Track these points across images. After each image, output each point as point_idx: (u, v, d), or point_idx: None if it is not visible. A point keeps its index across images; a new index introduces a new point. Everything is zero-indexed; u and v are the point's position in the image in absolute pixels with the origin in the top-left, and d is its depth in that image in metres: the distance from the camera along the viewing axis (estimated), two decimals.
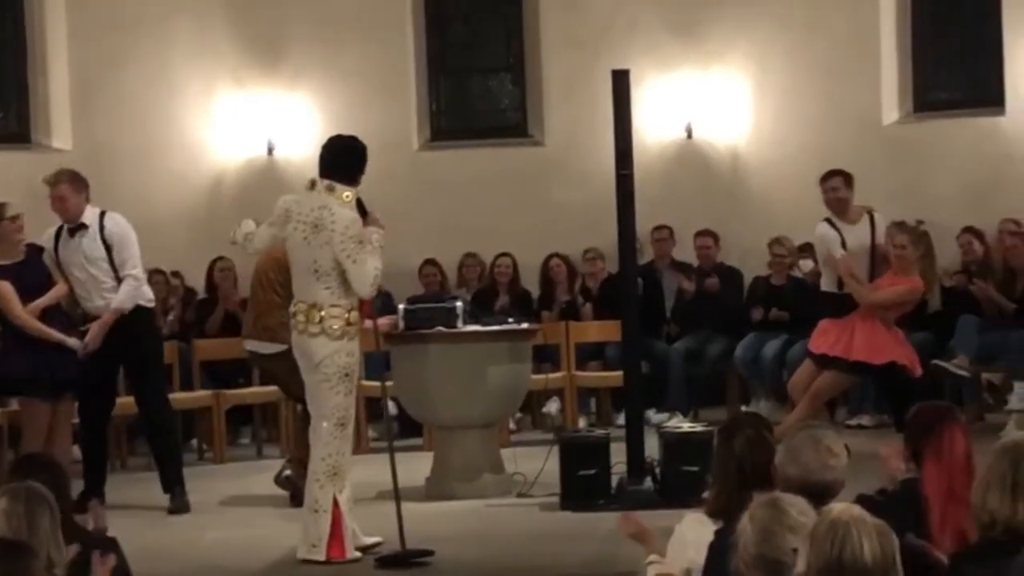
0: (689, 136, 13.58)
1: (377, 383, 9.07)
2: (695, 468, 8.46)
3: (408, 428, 11.32)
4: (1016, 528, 4.31)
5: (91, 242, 9.40)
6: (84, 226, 9.43)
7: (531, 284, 13.23)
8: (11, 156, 13.02)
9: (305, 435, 8.30)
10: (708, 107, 13.53)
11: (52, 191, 9.45)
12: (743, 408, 11.75)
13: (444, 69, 14.21)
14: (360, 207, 7.76)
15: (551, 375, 11.59)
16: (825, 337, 10.26)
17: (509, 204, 13.45)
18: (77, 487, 8.75)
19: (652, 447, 9.12)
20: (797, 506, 3.95)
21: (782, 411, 10.99)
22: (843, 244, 10.31)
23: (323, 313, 7.70)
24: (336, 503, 7.65)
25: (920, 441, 5.14)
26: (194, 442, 11.95)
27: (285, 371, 8.83)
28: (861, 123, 13.10)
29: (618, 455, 9.01)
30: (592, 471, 8.85)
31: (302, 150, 13.66)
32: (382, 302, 10.36)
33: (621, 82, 9.12)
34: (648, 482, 8.88)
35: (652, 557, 5.24)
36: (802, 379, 10.32)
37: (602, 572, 7.39)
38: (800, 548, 3.43)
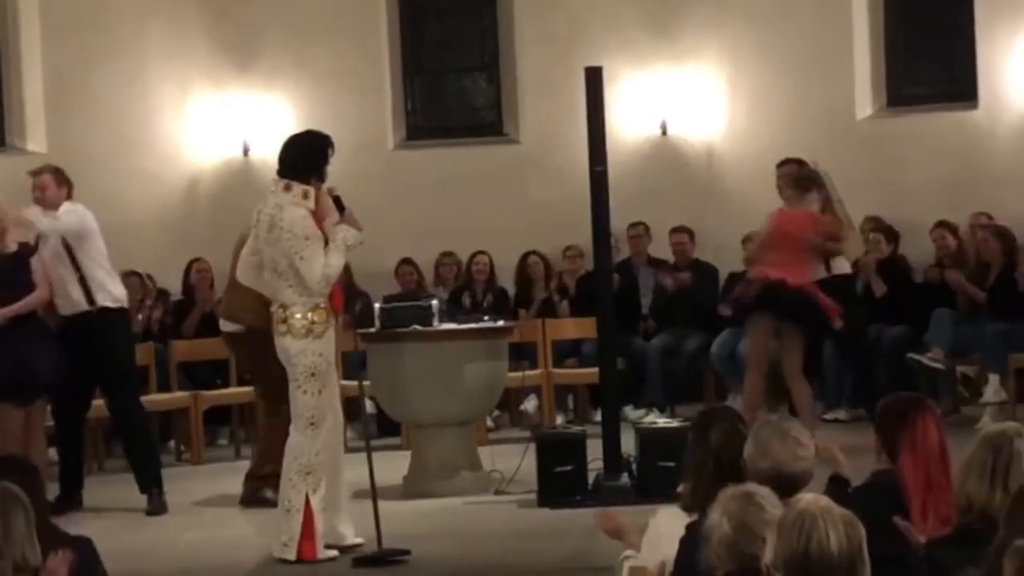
0: (664, 133, 13.61)
1: (354, 382, 9.08)
2: (672, 464, 8.44)
3: (385, 427, 11.31)
4: (991, 514, 4.36)
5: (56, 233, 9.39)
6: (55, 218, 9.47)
7: (508, 282, 13.25)
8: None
9: (267, 426, 8.51)
10: (682, 104, 13.56)
11: (35, 179, 9.52)
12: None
13: (419, 68, 14.22)
14: (337, 204, 7.75)
15: (528, 372, 11.61)
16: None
17: (485, 203, 13.46)
18: (54, 490, 8.78)
19: (629, 443, 9.14)
20: (768, 498, 3.98)
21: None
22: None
23: (287, 312, 7.71)
24: (308, 502, 7.63)
25: (894, 432, 5.16)
26: (171, 443, 11.94)
27: (244, 352, 8.91)
28: (835, 118, 13.14)
29: (595, 451, 9.04)
30: (569, 467, 8.87)
31: (278, 151, 13.66)
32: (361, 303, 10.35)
33: (594, 79, 9.15)
34: (625, 478, 8.91)
35: (627, 552, 5.26)
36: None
37: (579, 568, 7.40)
38: (768, 538, 3.45)
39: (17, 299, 9.16)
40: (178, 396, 11.72)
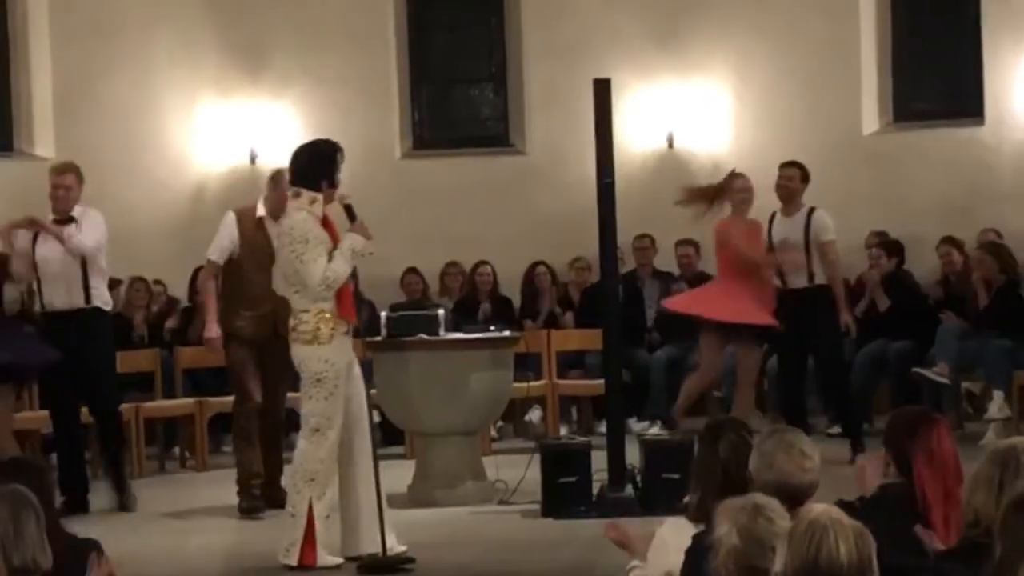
0: (670, 146, 13.65)
1: None
2: (676, 476, 8.51)
3: (390, 436, 11.33)
4: None
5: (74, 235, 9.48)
6: (72, 219, 9.53)
7: (512, 293, 13.27)
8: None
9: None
10: (689, 117, 13.60)
11: (58, 179, 9.58)
12: None
13: (427, 78, 14.26)
14: (349, 212, 7.78)
15: (533, 383, 11.63)
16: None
17: (491, 213, 13.50)
18: None
19: (633, 455, 9.16)
20: (776, 510, 4.00)
21: (763, 420, 11.03)
22: (770, 236, 10.57)
23: (296, 319, 7.75)
24: (311, 509, 7.64)
25: (906, 445, 5.16)
26: (176, 450, 11.96)
27: None
28: (841, 133, 13.18)
29: (599, 463, 9.05)
30: (573, 478, 8.88)
31: (285, 159, 13.50)
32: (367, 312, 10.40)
33: (602, 90, 9.18)
34: (629, 489, 8.92)
35: (634, 562, 5.27)
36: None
37: None
38: (778, 548, 3.47)
39: None
40: (183, 403, 11.74)
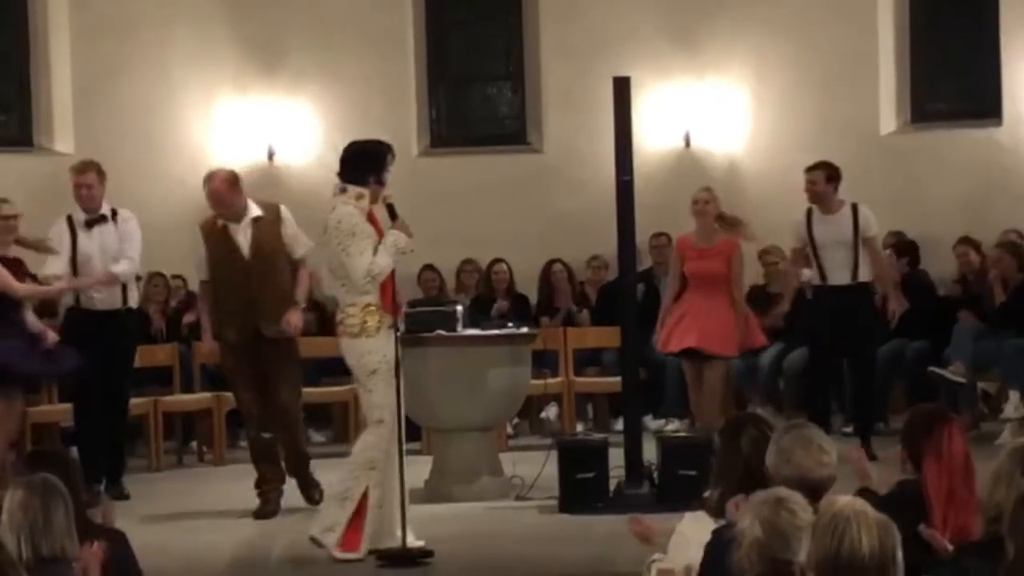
0: (687, 145, 13.68)
1: None
2: (693, 472, 8.57)
3: (407, 431, 11.33)
4: None
5: (110, 235, 9.57)
6: (104, 218, 9.63)
7: (528, 290, 13.31)
8: (14, 159, 13.11)
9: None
10: (706, 116, 13.62)
11: (80, 177, 9.68)
12: None
13: (444, 77, 14.30)
14: (391, 211, 7.84)
15: (549, 380, 11.66)
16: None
17: (507, 211, 13.53)
18: None
19: (649, 452, 9.19)
20: (799, 503, 4.04)
21: (779, 418, 11.06)
22: (811, 234, 10.52)
23: (343, 313, 7.82)
24: (365, 496, 7.68)
25: (919, 442, 5.21)
26: (193, 444, 12.01)
27: None
28: (858, 133, 13.19)
29: (615, 460, 9.07)
30: (591, 474, 8.91)
31: (302, 156, 13.78)
32: None
33: (622, 89, 9.22)
34: (646, 486, 8.95)
35: (656, 555, 5.31)
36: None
37: (601, 573, 7.45)
38: (803, 540, 3.50)
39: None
40: (201, 397, 11.80)
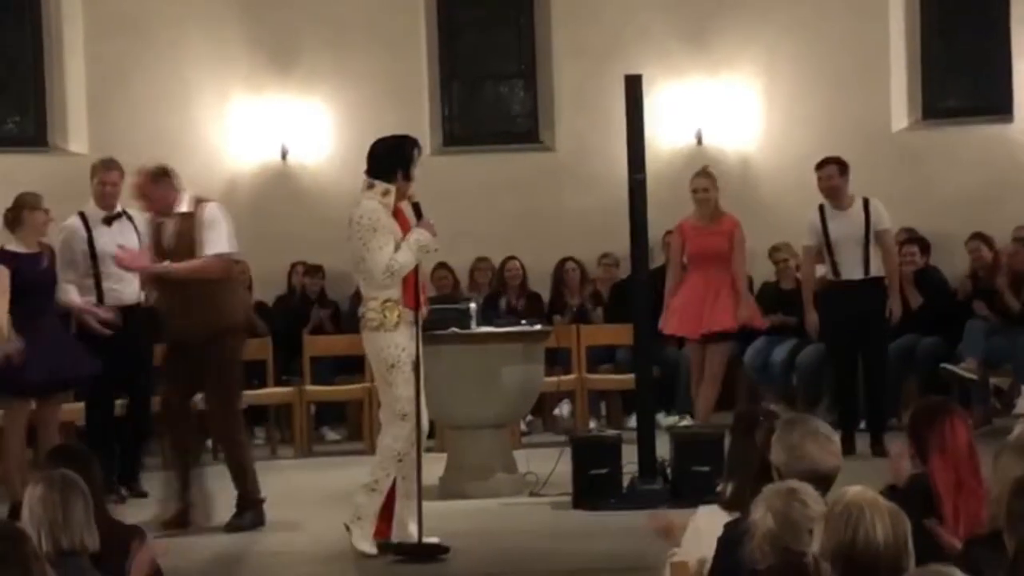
0: (699, 143, 13.71)
1: None
2: (706, 468, 8.61)
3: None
4: None
5: (130, 232, 9.64)
6: (121, 215, 9.70)
7: (540, 288, 13.35)
8: (28, 159, 13.17)
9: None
10: (718, 114, 13.65)
11: (107, 175, 9.82)
12: None
13: (456, 75, 14.35)
14: (416, 210, 7.88)
15: (563, 377, 11.70)
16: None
17: (520, 209, 13.57)
18: None
19: (662, 449, 9.22)
20: (811, 495, 4.08)
21: (787, 411, 11.10)
22: (825, 230, 10.59)
23: (365, 308, 7.87)
24: (394, 487, 7.74)
25: (923, 436, 5.26)
26: (209, 443, 12.04)
27: None
28: (870, 130, 13.21)
29: (628, 456, 9.10)
30: (604, 470, 8.95)
31: (316, 155, 13.83)
32: None
33: (634, 87, 9.26)
34: (660, 481, 8.99)
35: (674, 549, 5.35)
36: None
37: (615, 568, 7.49)
38: (815, 530, 3.54)
39: (47, 296, 9.31)
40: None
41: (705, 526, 5.24)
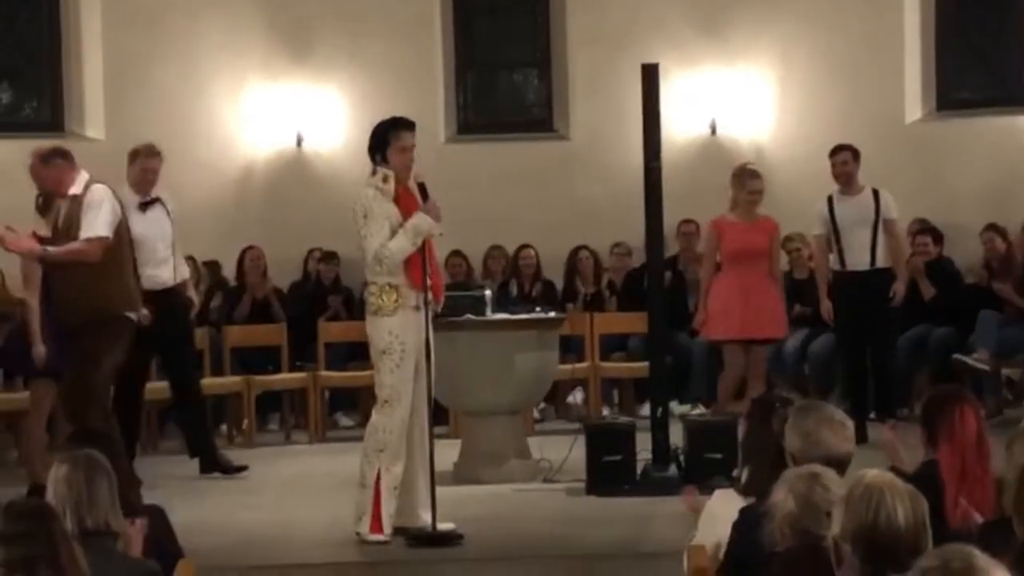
0: (713, 132, 13.73)
1: None
2: (719, 455, 8.66)
3: (435, 414, 11.41)
4: None
5: (164, 218, 9.71)
6: (156, 201, 9.78)
7: (554, 277, 13.38)
8: (44, 144, 13.18)
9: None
10: (732, 104, 13.68)
11: (150, 161, 9.94)
12: None
13: (471, 64, 14.38)
14: (422, 191, 7.87)
15: (577, 365, 11.74)
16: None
17: (534, 198, 13.61)
18: None
19: (675, 437, 9.24)
20: (833, 479, 4.12)
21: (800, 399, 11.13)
22: (832, 217, 10.64)
23: (366, 292, 7.92)
24: (379, 480, 7.74)
25: (934, 424, 5.31)
26: (223, 427, 12.13)
27: None
28: (884, 121, 13.23)
29: (641, 444, 9.12)
30: (618, 457, 8.98)
31: (331, 142, 13.86)
32: None
33: (651, 75, 9.28)
34: (673, 468, 9.03)
35: (693, 532, 5.40)
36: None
37: (628, 552, 7.52)
38: (834, 512, 3.58)
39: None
40: (231, 380, 11.92)
41: (720, 511, 5.29)
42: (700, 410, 11.84)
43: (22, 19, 13.73)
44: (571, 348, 11.97)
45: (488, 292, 9.83)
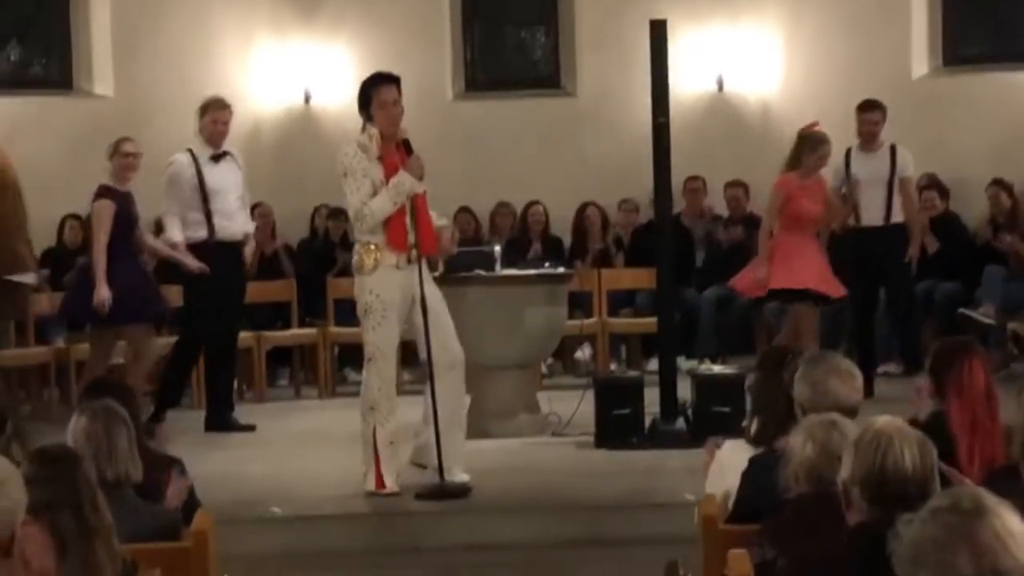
0: (720, 89, 13.74)
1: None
2: (726, 409, 8.72)
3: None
4: None
5: (236, 170, 9.92)
6: (228, 153, 9.99)
7: (561, 233, 13.43)
8: (53, 102, 13.26)
9: None
10: (739, 60, 13.68)
11: (221, 114, 10.10)
12: None
13: (478, 20, 14.38)
14: (406, 146, 7.83)
15: (585, 321, 11.80)
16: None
17: (541, 154, 13.64)
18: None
19: (683, 392, 9.30)
20: (850, 428, 4.18)
21: None
22: (849, 173, 10.65)
23: (353, 251, 7.94)
24: (375, 436, 7.80)
25: (942, 376, 5.36)
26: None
27: None
28: (891, 77, 13.22)
29: (649, 399, 9.19)
30: (626, 411, 9.05)
31: (339, 99, 13.84)
32: None
33: (658, 32, 9.29)
34: (680, 422, 9.10)
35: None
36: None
37: (637, 503, 7.60)
38: (844, 457, 3.64)
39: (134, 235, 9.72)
40: (242, 336, 11.91)
41: (729, 461, 5.36)
42: (707, 366, 11.86)
43: None
44: (579, 304, 12.02)
45: (498, 248, 9.87)
